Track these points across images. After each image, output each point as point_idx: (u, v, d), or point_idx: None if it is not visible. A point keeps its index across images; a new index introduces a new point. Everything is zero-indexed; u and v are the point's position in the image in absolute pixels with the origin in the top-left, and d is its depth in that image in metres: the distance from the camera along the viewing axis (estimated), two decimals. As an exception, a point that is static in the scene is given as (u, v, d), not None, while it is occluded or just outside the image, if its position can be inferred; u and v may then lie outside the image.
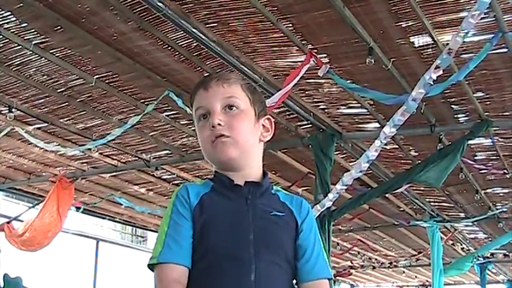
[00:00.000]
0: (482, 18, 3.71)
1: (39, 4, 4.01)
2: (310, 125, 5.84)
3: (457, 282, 15.76)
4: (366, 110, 5.62)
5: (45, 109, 5.71)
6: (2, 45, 4.57)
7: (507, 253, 12.23)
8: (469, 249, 11.49)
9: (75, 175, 7.41)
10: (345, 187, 5.17)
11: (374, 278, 16.33)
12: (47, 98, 5.49)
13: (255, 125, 1.62)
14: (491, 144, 6.38)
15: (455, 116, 5.72)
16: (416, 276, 15.54)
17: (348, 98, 5.42)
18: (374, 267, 13.82)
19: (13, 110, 5.47)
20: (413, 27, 4.24)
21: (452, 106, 5.53)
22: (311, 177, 6.78)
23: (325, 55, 4.63)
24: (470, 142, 5.76)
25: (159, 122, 5.98)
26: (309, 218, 1.62)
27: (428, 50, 4.48)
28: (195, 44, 4.43)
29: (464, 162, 6.54)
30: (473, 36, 4.24)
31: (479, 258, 11.51)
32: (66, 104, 5.58)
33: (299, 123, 5.93)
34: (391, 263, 13.60)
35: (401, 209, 9.12)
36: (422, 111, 5.26)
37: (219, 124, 1.55)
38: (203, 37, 4.14)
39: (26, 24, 4.30)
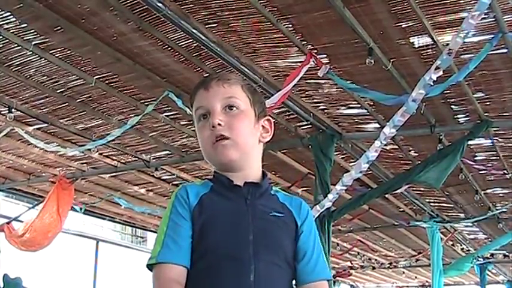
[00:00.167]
0: (482, 19, 3.71)
1: (39, 5, 4.01)
2: (310, 126, 5.84)
3: (456, 282, 15.76)
4: (365, 111, 5.62)
5: (45, 109, 5.71)
6: (2, 45, 4.57)
7: (507, 254, 12.23)
8: (468, 250, 11.50)
9: (75, 175, 7.40)
10: (345, 187, 5.17)
11: (374, 279, 16.32)
12: (47, 99, 5.49)
13: (255, 126, 1.62)
14: (491, 144, 6.38)
15: (455, 116, 5.72)
16: (416, 277, 15.54)
17: (347, 98, 5.42)
18: (374, 268, 13.82)
19: (13, 110, 5.47)
20: (413, 27, 4.24)
21: (452, 107, 5.53)
22: (311, 177, 6.78)
23: (325, 55, 4.63)
24: (470, 142, 5.76)
25: (159, 123, 5.98)
26: (308, 219, 1.62)
27: (428, 51, 4.49)
28: (195, 45, 4.43)
29: (464, 162, 6.54)
30: (473, 37, 4.24)
31: (479, 259, 11.50)
32: (66, 104, 5.58)
33: (299, 124, 5.93)
34: (390, 264, 13.60)
35: (401, 209, 9.12)
36: (422, 111, 5.26)
37: (219, 124, 1.55)
38: (203, 38, 4.14)
39: (25, 25, 4.30)
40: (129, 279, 11.05)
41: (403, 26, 4.23)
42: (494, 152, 6.59)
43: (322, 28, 4.26)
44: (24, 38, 4.47)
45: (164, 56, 4.69)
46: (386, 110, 5.29)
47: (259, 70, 4.80)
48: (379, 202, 8.41)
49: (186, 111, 5.06)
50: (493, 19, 4.05)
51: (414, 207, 8.97)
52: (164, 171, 7.40)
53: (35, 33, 4.42)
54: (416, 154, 6.76)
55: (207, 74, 4.64)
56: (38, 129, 6.16)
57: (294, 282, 1.58)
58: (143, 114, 5.35)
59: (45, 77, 5.10)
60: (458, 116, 5.72)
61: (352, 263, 13.65)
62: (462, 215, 9.25)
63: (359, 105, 5.53)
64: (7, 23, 4.30)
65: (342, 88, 4.98)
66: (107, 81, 5.15)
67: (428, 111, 5.50)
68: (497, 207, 8.60)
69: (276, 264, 1.52)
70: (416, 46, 4.48)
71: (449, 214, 9.32)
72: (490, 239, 10.81)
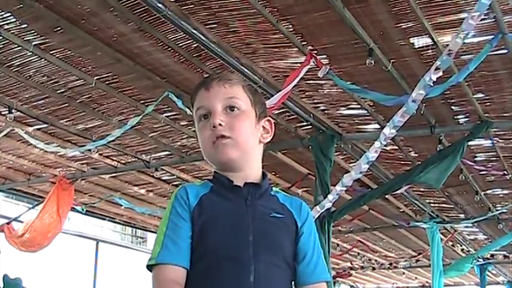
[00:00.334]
0: (482, 20, 3.72)
1: (39, 5, 4.01)
2: (310, 126, 5.84)
3: (457, 283, 15.74)
4: (365, 111, 5.62)
5: (45, 110, 5.71)
6: (2, 46, 4.57)
7: (507, 254, 12.22)
8: (469, 251, 11.49)
9: (75, 176, 7.40)
10: (345, 188, 5.17)
11: (374, 279, 16.30)
12: (47, 99, 5.49)
13: (256, 127, 1.62)
14: (491, 145, 6.38)
15: (455, 117, 5.72)
16: (416, 277, 15.52)
17: (347, 99, 5.42)
18: (374, 268, 13.81)
19: (13, 111, 5.47)
20: (413, 28, 4.24)
21: (452, 107, 5.53)
22: (311, 178, 6.78)
23: (325, 56, 4.63)
24: (470, 143, 5.76)
25: (159, 123, 5.98)
26: (308, 220, 1.62)
27: (428, 51, 4.48)
28: (195, 45, 4.43)
29: (464, 163, 6.54)
30: (473, 38, 4.24)
31: (479, 260, 11.48)
32: (66, 105, 5.58)
33: (299, 124, 5.93)
34: (391, 264, 13.59)
35: (401, 210, 9.12)
36: (422, 112, 5.26)
37: (220, 124, 1.55)
38: (203, 38, 4.14)
39: (26, 25, 4.31)
40: (129, 280, 11.05)
41: (403, 26, 4.23)
42: (494, 153, 6.59)
43: (322, 29, 4.26)
44: (25, 39, 4.47)
45: (164, 56, 4.69)
46: (386, 111, 5.29)
47: (259, 71, 4.80)
48: (379, 203, 8.40)
49: (186, 111, 5.06)
50: (493, 20, 4.05)
51: (414, 208, 8.96)
52: (164, 171, 7.40)
53: (35, 33, 4.42)
54: (416, 155, 6.76)
55: (207, 75, 4.63)
56: (38, 129, 6.16)
57: (293, 283, 1.58)
58: (143, 114, 5.34)
59: (45, 78, 5.10)
60: (458, 117, 5.72)
61: (352, 264, 13.64)
62: (462, 216, 9.25)
63: (359, 106, 5.53)
64: (7, 24, 4.30)
65: (342, 89, 4.98)
66: (107, 82, 5.15)
67: (428, 111, 5.50)
68: (497, 208, 8.59)
69: (276, 265, 1.52)
70: (416, 47, 4.48)
71: (450, 215, 9.32)
72: (490, 240, 10.80)
